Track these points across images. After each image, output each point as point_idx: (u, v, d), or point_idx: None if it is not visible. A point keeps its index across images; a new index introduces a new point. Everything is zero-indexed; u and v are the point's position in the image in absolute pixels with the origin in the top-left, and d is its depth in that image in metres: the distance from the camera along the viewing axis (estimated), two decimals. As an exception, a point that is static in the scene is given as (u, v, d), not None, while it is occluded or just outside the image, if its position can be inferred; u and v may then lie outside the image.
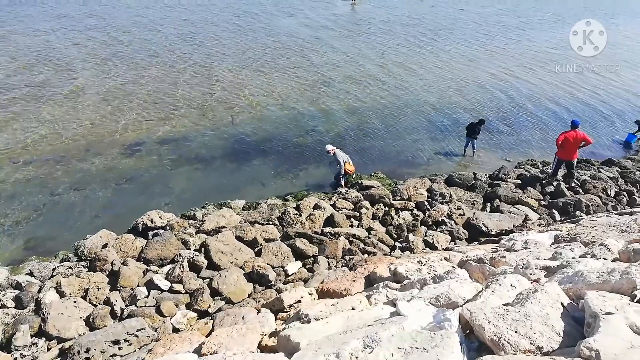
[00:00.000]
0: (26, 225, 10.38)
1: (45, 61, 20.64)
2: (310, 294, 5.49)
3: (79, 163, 12.96)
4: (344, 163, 12.08)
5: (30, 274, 8.11)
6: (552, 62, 25.44)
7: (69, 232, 10.19)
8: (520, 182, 12.27)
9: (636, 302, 2.79)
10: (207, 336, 4.51)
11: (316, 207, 10.53)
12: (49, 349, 6.37)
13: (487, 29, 33.31)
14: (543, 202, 11.46)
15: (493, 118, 17.71)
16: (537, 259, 4.74)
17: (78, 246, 8.84)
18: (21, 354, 6.21)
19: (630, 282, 2.87)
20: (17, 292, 7.43)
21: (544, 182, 12.23)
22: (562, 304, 2.89)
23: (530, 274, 3.95)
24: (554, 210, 10.96)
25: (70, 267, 8.15)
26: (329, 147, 12.24)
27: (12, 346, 6.24)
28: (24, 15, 27.93)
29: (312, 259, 8.80)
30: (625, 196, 11.96)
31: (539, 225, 10.16)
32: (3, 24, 25.89)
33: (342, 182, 12.38)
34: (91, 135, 14.56)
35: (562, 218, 10.62)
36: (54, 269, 8.17)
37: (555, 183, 12.07)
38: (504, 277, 3.56)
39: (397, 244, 9.56)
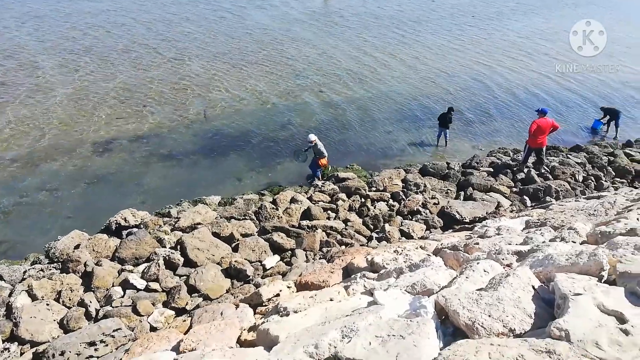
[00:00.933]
0: (-6, 228, 10.06)
1: (11, 59, 19.92)
2: (288, 287, 5.50)
3: (48, 163, 12.58)
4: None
5: (0, 277, 7.86)
6: (523, 51, 25.93)
7: (39, 233, 9.90)
8: (492, 170, 12.50)
9: (603, 282, 2.89)
10: (185, 333, 4.48)
11: (293, 200, 10.52)
12: (22, 354, 6.21)
13: (461, 19, 33.63)
14: (514, 189, 11.72)
15: (465, 107, 17.98)
16: (509, 244, 4.86)
17: (49, 248, 8.59)
18: (-8, 360, 6.05)
19: (598, 264, 2.97)
20: (-14, 297, 7.21)
21: (515, 169, 12.50)
22: (533, 287, 2.97)
23: (503, 259, 4.05)
24: (525, 197, 11.23)
25: (42, 270, 7.93)
26: (312, 136, 12.08)
27: (-18, 353, 6.06)
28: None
29: (289, 252, 8.81)
30: (592, 181, 12.33)
31: (511, 212, 10.40)
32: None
33: (319, 174, 12.37)
34: (60, 133, 14.14)
35: (533, 204, 10.90)
36: (24, 272, 7.94)
37: (525, 170, 12.36)
38: (477, 263, 3.64)
39: (374, 235, 9.65)
